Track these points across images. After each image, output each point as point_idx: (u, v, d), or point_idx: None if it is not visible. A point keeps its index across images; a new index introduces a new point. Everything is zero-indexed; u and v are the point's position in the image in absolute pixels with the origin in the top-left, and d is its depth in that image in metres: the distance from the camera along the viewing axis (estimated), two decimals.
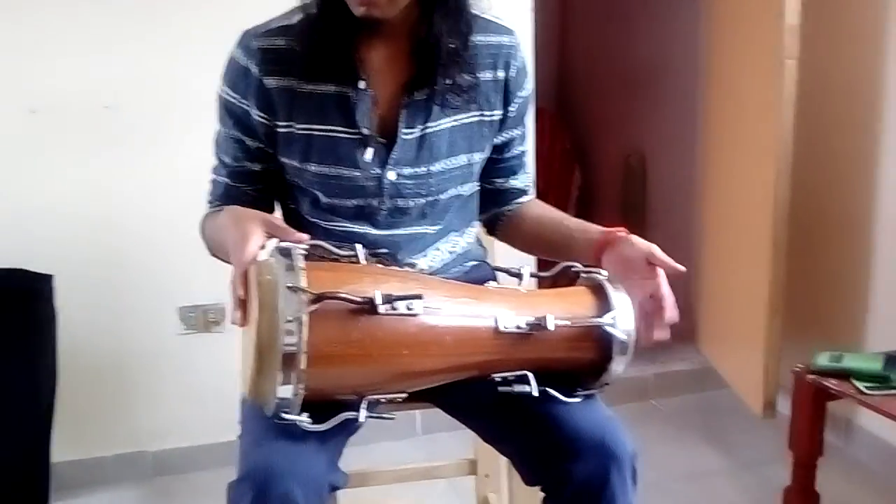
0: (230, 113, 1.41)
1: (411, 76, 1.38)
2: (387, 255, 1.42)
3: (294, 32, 1.35)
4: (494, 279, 1.54)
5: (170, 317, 2.49)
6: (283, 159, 1.41)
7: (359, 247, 1.27)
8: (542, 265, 1.54)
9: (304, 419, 1.15)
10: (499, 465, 1.88)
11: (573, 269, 1.36)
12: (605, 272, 1.32)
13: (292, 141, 1.38)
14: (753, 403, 2.57)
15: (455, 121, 1.42)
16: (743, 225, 2.70)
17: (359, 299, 1.12)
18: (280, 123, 1.38)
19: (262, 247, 1.19)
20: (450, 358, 1.21)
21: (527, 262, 1.47)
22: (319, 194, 1.41)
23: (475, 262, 1.59)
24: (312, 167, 1.39)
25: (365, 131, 1.37)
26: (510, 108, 1.47)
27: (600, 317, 1.25)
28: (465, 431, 1.52)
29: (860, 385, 1.98)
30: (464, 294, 1.26)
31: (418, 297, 1.15)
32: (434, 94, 1.38)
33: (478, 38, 1.40)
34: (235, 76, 1.38)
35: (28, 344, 2.15)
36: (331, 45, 1.33)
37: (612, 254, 1.38)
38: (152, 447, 2.56)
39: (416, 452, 2.62)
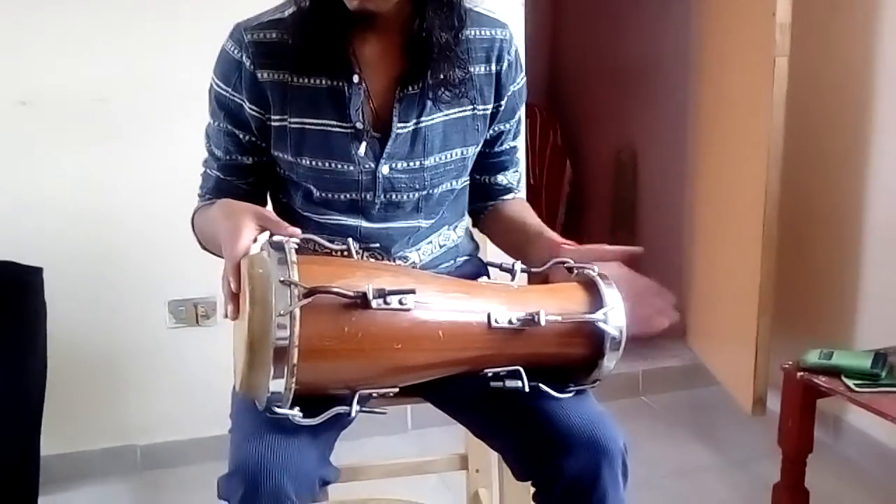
0: (222, 106, 1.40)
1: (405, 70, 1.37)
2: (379, 249, 1.43)
3: (287, 25, 1.35)
4: (486, 274, 1.55)
5: (160, 310, 2.48)
6: (276, 153, 1.40)
7: (351, 241, 1.27)
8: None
9: (295, 413, 1.15)
10: (490, 460, 1.88)
11: (566, 264, 1.36)
12: (597, 268, 1.32)
13: (285, 135, 1.38)
14: (743, 400, 2.58)
15: (448, 115, 1.41)
16: (733, 222, 2.70)
17: (351, 294, 1.12)
18: (273, 117, 1.38)
19: (255, 240, 1.18)
20: (442, 353, 1.21)
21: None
22: (312, 188, 1.41)
23: (467, 257, 1.59)
24: (305, 161, 1.38)
25: (358, 125, 1.37)
26: (501, 102, 1.47)
27: (592, 313, 1.25)
28: (457, 426, 1.52)
29: (850, 382, 1.98)
30: (456, 289, 1.26)
31: (411, 291, 1.15)
32: (427, 88, 1.37)
33: (471, 32, 1.40)
34: (228, 69, 1.38)
35: (17, 337, 2.14)
36: (324, 38, 1.33)
37: (558, 274, 1.37)
38: (141, 441, 2.55)
39: (408, 447, 2.62)
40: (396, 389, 1.22)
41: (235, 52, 1.36)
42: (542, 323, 1.21)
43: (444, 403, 1.48)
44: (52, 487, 2.36)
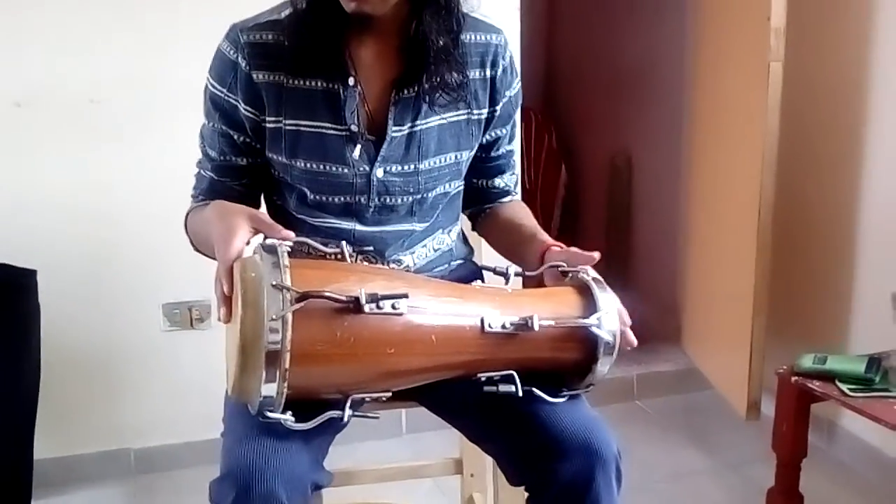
0: (217, 106, 1.40)
1: (400, 73, 1.37)
2: (373, 252, 1.42)
3: (283, 27, 1.35)
4: (480, 278, 1.55)
5: (154, 313, 2.47)
6: (271, 155, 1.40)
7: (344, 244, 1.27)
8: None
9: (287, 418, 1.14)
10: (484, 464, 1.88)
11: (560, 269, 1.36)
12: (591, 272, 1.32)
13: (280, 136, 1.38)
14: (737, 404, 2.58)
15: (443, 119, 1.41)
16: (728, 226, 2.71)
17: (344, 298, 1.11)
18: (268, 118, 1.37)
19: (248, 243, 1.18)
20: (435, 357, 1.21)
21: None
22: (307, 190, 1.41)
23: (461, 261, 1.59)
24: (300, 163, 1.38)
25: (353, 128, 1.37)
26: (496, 107, 1.47)
27: (586, 317, 1.25)
28: (451, 431, 1.52)
29: (843, 387, 1.99)
30: (449, 293, 1.26)
31: (404, 296, 1.15)
32: (423, 92, 1.37)
33: (466, 37, 1.40)
34: (223, 70, 1.38)
35: (11, 339, 2.13)
36: (320, 40, 1.33)
37: (550, 278, 1.38)
38: (135, 444, 2.54)
39: (402, 451, 2.61)
40: (389, 394, 1.22)
41: (231, 52, 1.36)
42: (536, 327, 1.21)
43: (438, 408, 1.47)
44: (46, 491, 2.35)
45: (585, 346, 1.26)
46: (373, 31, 1.35)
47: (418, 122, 1.39)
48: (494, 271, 1.41)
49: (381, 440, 2.60)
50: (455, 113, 1.42)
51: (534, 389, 1.27)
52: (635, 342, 1.31)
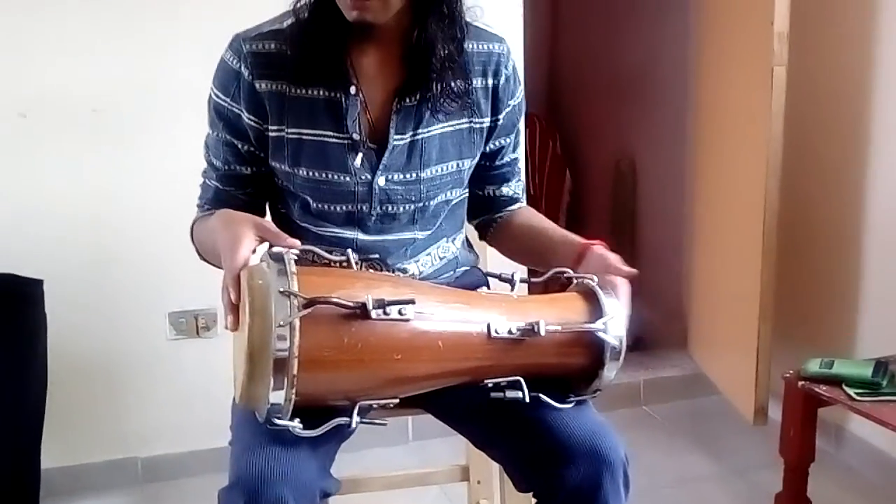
0: (221, 116, 1.40)
1: (402, 82, 1.38)
2: (378, 260, 1.43)
3: (285, 36, 1.35)
4: (486, 285, 1.55)
5: (160, 322, 2.48)
6: (274, 163, 1.40)
7: (350, 252, 1.27)
8: (533, 271, 1.54)
9: (295, 425, 1.14)
10: (491, 471, 1.87)
11: (565, 275, 1.36)
12: (596, 278, 1.32)
13: (283, 145, 1.38)
14: (745, 409, 2.58)
15: (445, 127, 1.42)
16: (733, 231, 2.70)
17: (351, 304, 1.12)
18: (271, 127, 1.38)
19: (254, 251, 1.18)
20: (442, 363, 1.21)
21: (518, 268, 1.47)
22: (309, 199, 1.41)
23: (466, 268, 1.59)
24: (302, 171, 1.38)
25: (355, 136, 1.37)
26: (500, 116, 1.47)
27: (592, 322, 1.25)
28: (458, 437, 1.52)
29: (851, 391, 1.98)
30: (456, 299, 1.26)
31: (410, 302, 1.15)
32: (425, 101, 1.37)
33: (468, 46, 1.40)
34: (226, 80, 1.38)
35: (18, 349, 2.14)
36: (322, 49, 1.33)
37: (583, 267, 1.38)
38: (142, 453, 2.54)
39: (409, 458, 2.61)
40: (397, 400, 1.22)
41: (234, 62, 1.36)
42: (542, 333, 1.21)
43: (445, 414, 1.47)
44: (53, 500, 2.35)
45: (592, 352, 1.26)
46: (374, 40, 1.36)
47: (420, 130, 1.40)
48: (500, 278, 1.41)
49: (387, 447, 2.59)
50: (457, 121, 1.42)
51: (541, 395, 1.27)
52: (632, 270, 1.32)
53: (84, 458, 2.49)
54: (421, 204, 1.44)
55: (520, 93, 1.50)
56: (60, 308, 2.24)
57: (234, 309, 1.16)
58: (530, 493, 1.34)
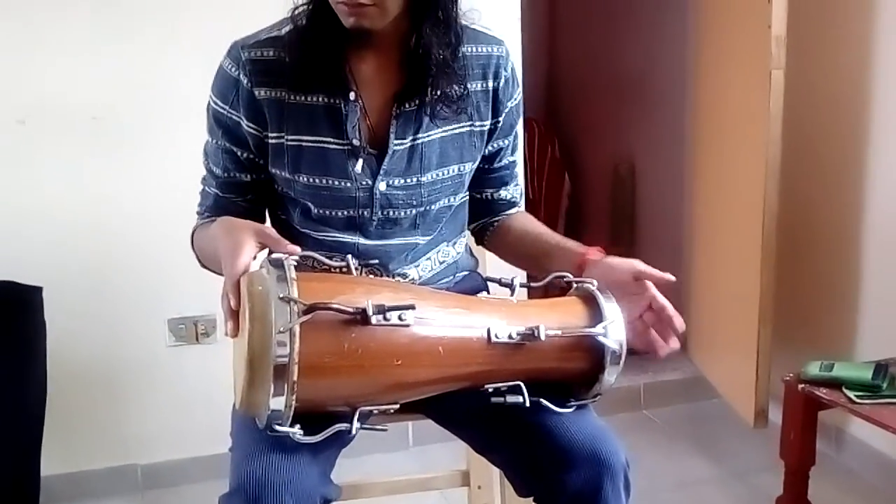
0: (220, 124, 1.40)
1: (401, 87, 1.38)
2: (378, 265, 1.43)
3: (284, 43, 1.35)
4: (486, 289, 1.55)
5: (159, 328, 2.48)
6: (274, 170, 1.41)
7: (350, 257, 1.27)
8: (533, 275, 1.54)
9: (295, 431, 1.14)
10: (492, 476, 1.87)
11: (565, 279, 1.36)
12: (596, 282, 1.32)
13: (282, 152, 1.38)
14: (745, 413, 2.58)
15: (445, 131, 1.42)
16: (732, 234, 2.70)
17: (351, 310, 1.11)
18: (270, 134, 1.38)
19: (254, 257, 1.18)
20: (442, 368, 1.21)
21: (518, 273, 1.47)
22: (310, 205, 1.41)
23: (466, 273, 1.59)
24: (303, 178, 1.38)
25: (355, 142, 1.37)
26: (499, 118, 1.47)
27: (592, 327, 1.25)
28: (458, 442, 1.51)
29: (851, 394, 1.98)
30: (456, 304, 1.26)
31: (411, 307, 1.15)
32: (424, 105, 1.37)
33: (467, 49, 1.40)
34: (225, 87, 1.38)
35: (18, 356, 2.14)
36: (320, 55, 1.33)
37: (593, 276, 1.37)
38: (142, 460, 2.54)
39: (409, 464, 2.61)
40: (397, 406, 1.22)
41: (233, 70, 1.37)
42: (542, 337, 1.21)
43: (445, 419, 1.47)
44: None
45: (592, 356, 1.26)
46: (372, 46, 1.36)
47: (420, 135, 1.40)
48: (500, 282, 1.41)
49: (387, 453, 2.59)
50: (457, 125, 1.42)
51: (541, 400, 1.27)
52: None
53: (84, 464, 2.49)
54: (422, 208, 1.44)
55: (518, 94, 1.50)
56: (60, 315, 2.24)
57: (234, 315, 1.16)
58: (531, 498, 1.34)
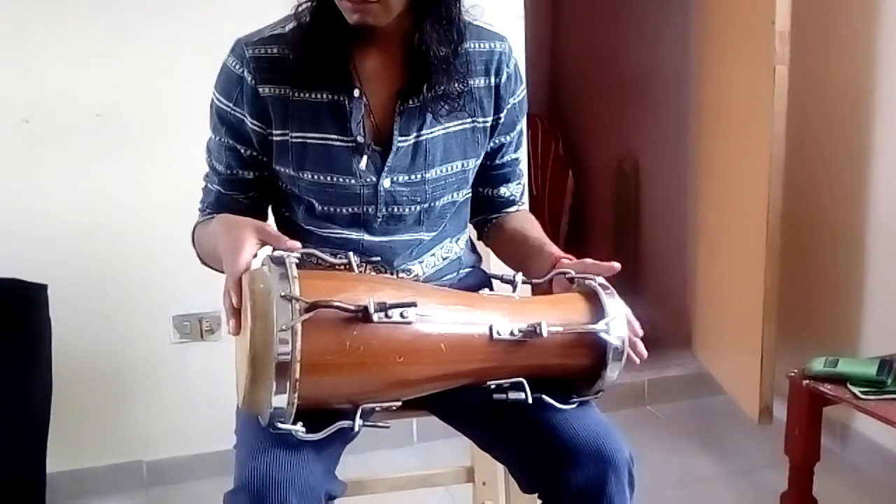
0: (223, 121, 1.41)
1: (405, 84, 1.38)
2: (381, 262, 1.43)
3: (287, 40, 1.35)
4: (489, 286, 1.55)
5: (164, 325, 2.48)
6: (278, 167, 1.41)
7: (352, 254, 1.27)
8: None
9: (298, 429, 1.15)
10: (496, 472, 1.87)
11: (567, 275, 1.36)
12: (598, 278, 1.32)
13: (287, 149, 1.38)
14: (749, 409, 2.57)
15: (449, 128, 1.42)
16: (737, 230, 2.70)
17: (352, 307, 1.12)
18: (274, 132, 1.38)
19: (255, 255, 1.19)
20: (444, 365, 1.21)
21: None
22: (314, 202, 1.41)
23: (470, 269, 1.59)
24: (307, 175, 1.39)
25: (359, 139, 1.37)
26: (501, 114, 1.47)
27: (594, 323, 1.25)
28: (462, 439, 1.52)
29: (856, 390, 1.98)
30: (458, 301, 1.26)
31: (412, 304, 1.15)
32: (428, 102, 1.38)
33: (470, 45, 1.40)
34: (229, 84, 1.38)
35: (23, 354, 2.14)
36: (324, 52, 1.33)
37: (557, 283, 1.38)
38: (147, 457, 2.55)
39: (413, 460, 2.61)
40: (399, 403, 1.22)
41: (237, 67, 1.37)
42: (544, 334, 1.21)
43: (449, 416, 1.48)
44: None
45: (594, 352, 1.26)
46: (376, 43, 1.36)
47: (424, 131, 1.40)
48: (502, 279, 1.41)
49: (391, 449, 2.60)
50: (460, 121, 1.43)
51: (544, 396, 1.27)
52: (645, 354, 1.31)
53: (89, 461, 2.49)
54: (427, 205, 1.44)
55: (521, 91, 1.50)
56: (64, 312, 2.24)
57: (236, 313, 1.16)
58: (535, 495, 1.34)
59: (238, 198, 1.45)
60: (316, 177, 1.38)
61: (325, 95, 1.37)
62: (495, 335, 1.21)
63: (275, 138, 1.38)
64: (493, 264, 1.72)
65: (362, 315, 1.12)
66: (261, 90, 1.36)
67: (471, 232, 1.64)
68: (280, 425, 1.13)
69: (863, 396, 1.96)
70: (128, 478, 2.52)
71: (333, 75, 1.35)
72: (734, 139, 2.71)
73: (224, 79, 1.39)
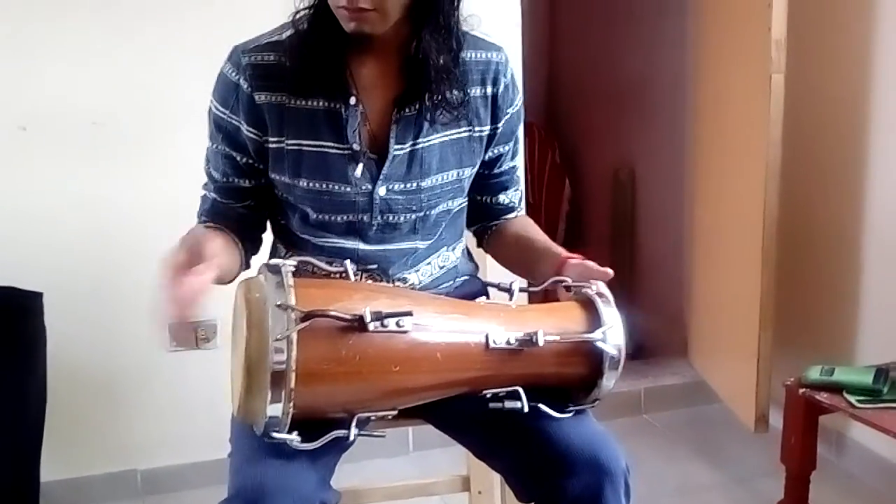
0: (220, 128, 1.40)
1: (401, 92, 1.38)
2: (377, 270, 1.43)
3: (284, 48, 1.35)
4: (486, 294, 1.55)
5: (160, 333, 2.47)
6: (274, 175, 1.41)
7: (348, 263, 1.27)
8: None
9: (293, 438, 1.14)
10: (492, 481, 1.87)
11: (563, 283, 1.36)
12: (594, 287, 1.32)
13: (283, 156, 1.38)
14: (746, 417, 2.57)
15: (445, 136, 1.42)
16: (733, 238, 2.70)
17: (348, 317, 1.12)
18: (270, 139, 1.38)
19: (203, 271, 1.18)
20: (440, 374, 1.21)
21: (517, 278, 1.47)
22: (310, 210, 1.41)
23: (466, 277, 1.59)
24: (303, 183, 1.38)
25: (355, 147, 1.37)
26: (499, 124, 1.47)
27: (591, 332, 1.25)
28: (458, 448, 1.51)
29: (852, 398, 1.98)
30: (454, 310, 1.26)
31: (408, 313, 1.15)
32: (424, 110, 1.38)
33: (467, 55, 1.40)
34: (226, 92, 1.38)
35: (17, 361, 2.13)
36: (321, 60, 1.33)
37: (557, 293, 1.38)
38: (142, 465, 2.54)
39: (409, 469, 2.60)
40: (395, 412, 1.22)
41: (233, 74, 1.37)
42: (541, 343, 1.21)
43: (445, 425, 1.47)
44: None
45: (591, 361, 1.26)
46: (373, 51, 1.36)
47: (420, 139, 1.40)
48: (499, 287, 1.41)
49: (388, 458, 2.59)
50: (456, 130, 1.43)
51: (540, 405, 1.27)
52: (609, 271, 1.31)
53: (84, 470, 2.48)
54: (422, 213, 1.44)
55: (518, 100, 1.51)
56: (60, 320, 2.23)
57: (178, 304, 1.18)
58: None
59: (234, 206, 1.45)
60: (312, 184, 1.38)
61: (321, 103, 1.37)
62: (492, 344, 1.21)
63: (271, 146, 1.38)
64: (490, 273, 1.72)
65: (358, 324, 1.12)
66: (257, 97, 1.36)
67: (468, 240, 1.64)
68: (275, 434, 1.13)
69: (859, 405, 1.96)
70: (122, 486, 2.51)
71: (330, 83, 1.35)
72: (730, 147, 2.71)
73: (221, 86, 1.39)
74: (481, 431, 1.39)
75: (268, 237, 1.54)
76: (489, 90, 1.44)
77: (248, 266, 1.46)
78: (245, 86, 1.36)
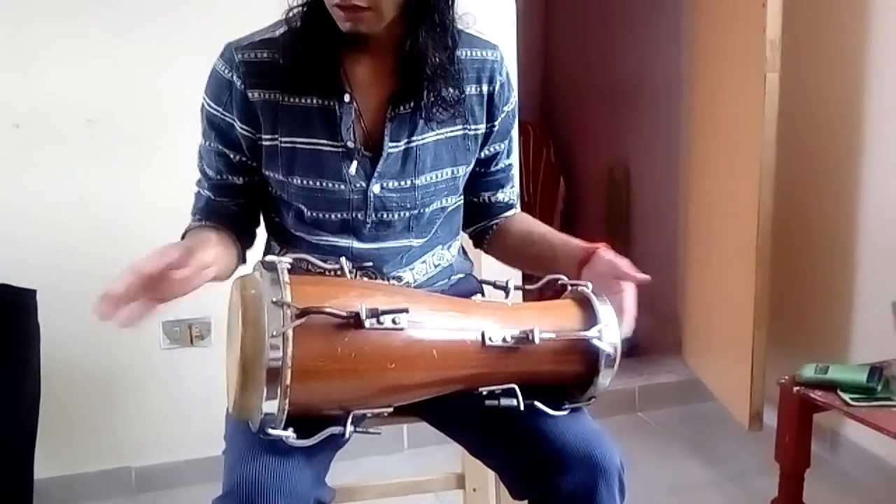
0: (213, 125, 1.40)
1: (396, 90, 1.38)
2: (372, 268, 1.42)
3: (278, 45, 1.35)
4: (481, 292, 1.54)
5: (154, 331, 2.47)
6: (268, 172, 1.40)
7: (344, 260, 1.27)
8: (528, 278, 1.54)
9: (289, 434, 1.14)
10: (487, 478, 1.87)
11: (559, 281, 1.36)
12: (591, 285, 1.32)
13: (276, 154, 1.38)
14: (740, 415, 2.58)
15: (440, 134, 1.42)
16: (727, 237, 2.71)
17: (344, 314, 1.11)
18: (264, 136, 1.38)
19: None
20: (436, 372, 1.21)
21: (513, 275, 1.46)
22: (304, 208, 1.41)
23: (461, 275, 1.59)
24: (296, 180, 1.38)
25: (349, 144, 1.37)
26: (494, 123, 1.47)
27: (586, 330, 1.25)
28: (453, 445, 1.51)
29: (846, 396, 1.98)
30: (450, 307, 1.26)
31: (404, 310, 1.15)
32: (419, 108, 1.37)
33: (462, 53, 1.40)
34: (219, 89, 1.38)
35: (11, 359, 2.13)
36: (315, 58, 1.33)
37: (588, 271, 1.38)
38: (136, 462, 2.54)
39: (404, 466, 2.60)
40: (391, 409, 1.22)
41: (226, 71, 1.36)
42: (537, 341, 1.21)
43: (440, 422, 1.47)
44: None
45: (586, 359, 1.26)
46: (368, 49, 1.35)
47: (414, 137, 1.40)
48: (494, 285, 1.41)
49: (383, 455, 2.59)
50: (451, 128, 1.42)
51: (535, 403, 1.27)
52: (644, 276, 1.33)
53: (77, 467, 2.48)
54: (416, 211, 1.43)
55: (513, 99, 1.51)
56: (53, 318, 2.23)
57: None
58: (526, 501, 1.34)
59: (227, 204, 1.44)
60: (305, 182, 1.38)
61: (315, 100, 1.36)
62: (487, 341, 1.21)
63: (264, 143, 1.38)
64: (485, 270, 1.72)
65: (354, 321, 1.12)
66: (250, 94, 1.35)
67: (462, 238, 1.63)
68: (270, 431, 1.13)
69: (853, 403, 1.97)
70: (116, 484, 2.51)
71: (324, 80, 1.35)
72: (725, 146, 2.71)
73: (213, 83, 1.39)
74: (477, 429, 1.39)
75: (262, 232, 1.53)
76: (485, 88, 1.44)
77: (244, 261, 1.46)
78: (238, 83, 1.35)
